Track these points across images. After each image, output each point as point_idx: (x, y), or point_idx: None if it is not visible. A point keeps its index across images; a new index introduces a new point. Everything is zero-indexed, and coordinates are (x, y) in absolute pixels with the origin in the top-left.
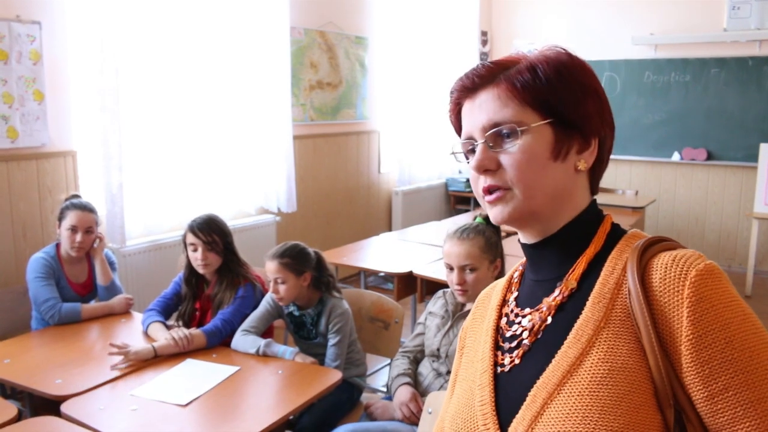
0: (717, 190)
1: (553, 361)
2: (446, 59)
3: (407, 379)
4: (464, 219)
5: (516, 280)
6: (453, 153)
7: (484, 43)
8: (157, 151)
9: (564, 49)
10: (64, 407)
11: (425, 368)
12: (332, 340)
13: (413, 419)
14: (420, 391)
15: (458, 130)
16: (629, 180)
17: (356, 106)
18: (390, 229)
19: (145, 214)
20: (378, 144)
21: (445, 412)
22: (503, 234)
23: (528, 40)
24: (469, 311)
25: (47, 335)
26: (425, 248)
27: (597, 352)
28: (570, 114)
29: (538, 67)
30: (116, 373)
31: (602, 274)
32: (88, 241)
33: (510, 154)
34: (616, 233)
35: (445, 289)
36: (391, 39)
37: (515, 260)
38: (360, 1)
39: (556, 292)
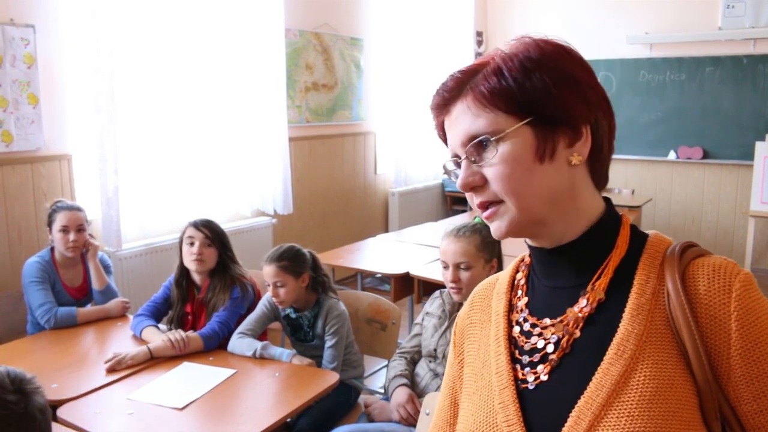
0: (713, 188)
1: (594, 379)
2: (442, 60)
3: (404, 381)
4: (461, 219)
5: (522, 283)
6: (445, 171)
7: (480, 43)
8: (153, 154)
9: (531, 38)
10: (61, 412)
11: (422, 369)
12: (329, 342)
13: (411, 421)
14: (417, 392)
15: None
16: (625, 179)
17: (352, 107)
18: (386, 230)
19: (141, 217)
20: (374, 145)
21: (441, 419)
22: None
23: None
24: None
25: (43, 340)
26: (422, 249)
27: (643, 369)
28: (545, 109)
29: (504, 68)
30: (112, 378)
31: (636, 283)
32: (81, 240)
33: (492, 166)
34: (636, 236)
35: (442, 290)
36: (386, 40)
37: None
38: (355, 2)
39: (583, 302)
